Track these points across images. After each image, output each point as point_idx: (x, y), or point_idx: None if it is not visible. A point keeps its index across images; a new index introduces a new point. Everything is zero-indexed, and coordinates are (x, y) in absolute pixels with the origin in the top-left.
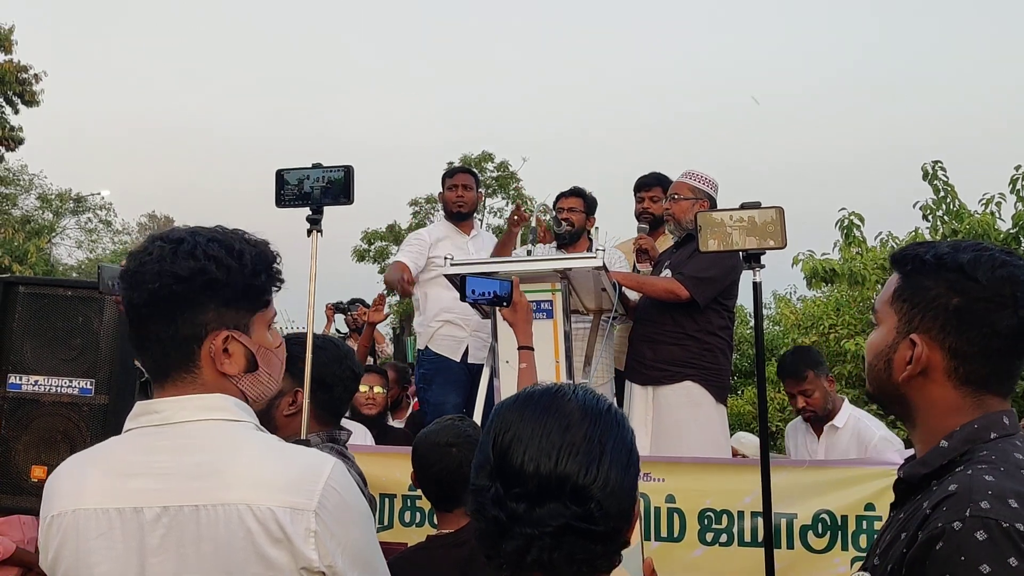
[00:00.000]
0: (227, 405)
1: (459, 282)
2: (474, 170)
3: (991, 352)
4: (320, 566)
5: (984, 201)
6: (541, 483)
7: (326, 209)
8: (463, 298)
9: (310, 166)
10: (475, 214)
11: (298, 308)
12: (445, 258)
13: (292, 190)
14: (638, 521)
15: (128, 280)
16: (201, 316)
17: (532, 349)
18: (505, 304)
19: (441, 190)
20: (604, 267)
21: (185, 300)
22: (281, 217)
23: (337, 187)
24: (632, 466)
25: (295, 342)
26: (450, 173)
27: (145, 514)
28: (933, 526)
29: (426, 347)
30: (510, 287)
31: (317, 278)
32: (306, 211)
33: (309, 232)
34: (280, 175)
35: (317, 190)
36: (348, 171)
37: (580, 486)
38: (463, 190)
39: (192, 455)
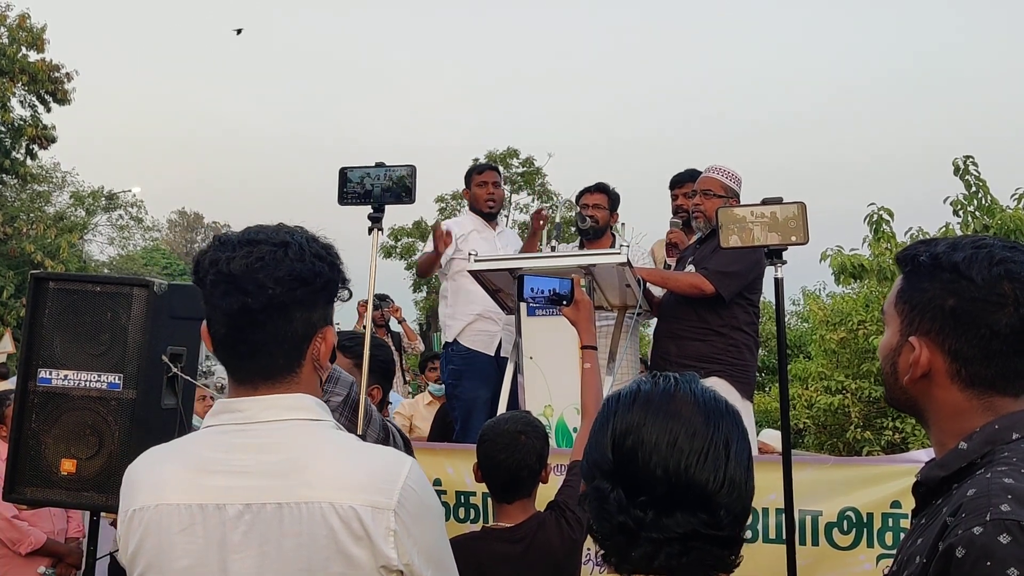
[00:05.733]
0: (309, 405)
1: (517, 281)
2: (498, 166)
3: (993, 353)
4: (399, 564)
5: (1016, 196)
6: (670, 490)
7: (353, 207)
8: (520, 298)
9: (373, 165)
10: (501, 211)
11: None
12: (470, 254)
13: (354, 188)
14: None
15: (233, 284)
16: (314, 315)
17: (596, 348)
18: (565, 303)
19: (466, 187)
20: (628, 263)
21: (304, 302)
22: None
23: (400, 186)
24: (751, 466)
25: (378, 344)
26: (478, 170)
27: (227, 511)
28: (953, 534)
29: (456, 341)
30: (570, 285)
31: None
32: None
33: (370, 230)
34: (343, 173)
35: (378, 188)
36: (411, 170)
37: (708, 493)
38: (493, 187)
39: (273, 454)
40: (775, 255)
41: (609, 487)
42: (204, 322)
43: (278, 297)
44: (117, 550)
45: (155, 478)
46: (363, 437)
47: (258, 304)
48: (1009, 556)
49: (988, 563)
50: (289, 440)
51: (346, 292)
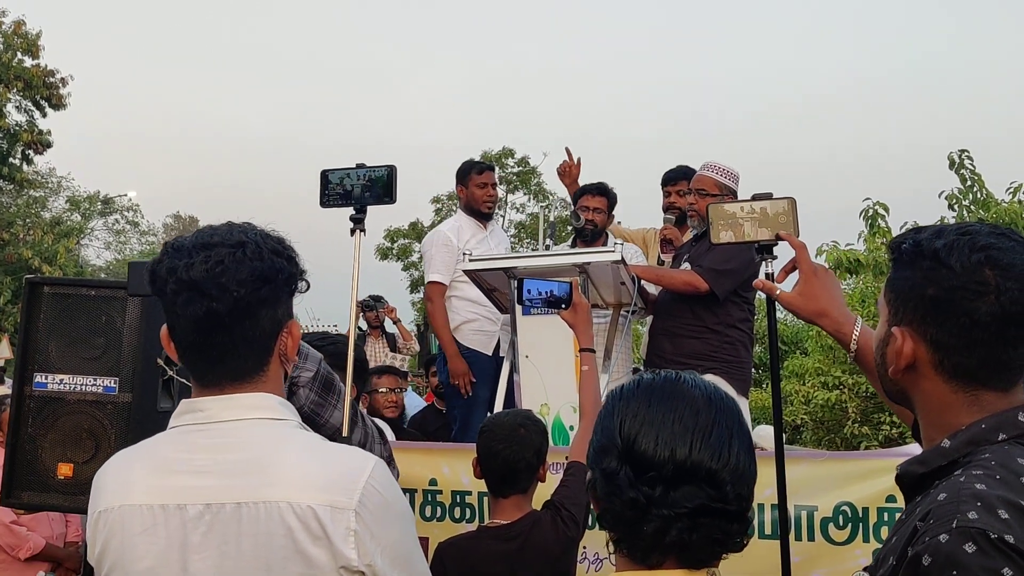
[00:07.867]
0: (271, 404)
1: (516, 284)
2: (494, 166)
3: (974, 343)
4: (359, 565)
5: (1012, 190)
6: (677, 468)
7: (336, 208)
8: (519, 300)
9: (354, 166)
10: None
11: (324, 305)
12: (464, 253)
13: (335, 190)
14: None
15: (196, 291)
16: (279, 311)
17: (594, 351)
18: (563, 306)
19: (461, 185)
20: (623, 261)
21: (268, 300)
22: (310, 217)
23: (379, 186)
24: (753, 452)
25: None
26: (478, 169)
27: (188, 511)
28: (921, 540)
29: (453, 339)
30: (569, 288)
31: (343, 276)
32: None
33: (352, 232)
34: (324, 175)
35: (359, 189)
36: (391, 170)
37: (713, 470)
38: (492, 188)
39: (234, 453)
40: (765, 250)
41: (617, 466)
42: (164, 328)
43: (243, 299)
44: None
45: (120, 480)
46: (350, 435)
47: (224, 308)
48: (974, 565)
49: (954, 572)
50: (249, 439)
51: (304, 284)
